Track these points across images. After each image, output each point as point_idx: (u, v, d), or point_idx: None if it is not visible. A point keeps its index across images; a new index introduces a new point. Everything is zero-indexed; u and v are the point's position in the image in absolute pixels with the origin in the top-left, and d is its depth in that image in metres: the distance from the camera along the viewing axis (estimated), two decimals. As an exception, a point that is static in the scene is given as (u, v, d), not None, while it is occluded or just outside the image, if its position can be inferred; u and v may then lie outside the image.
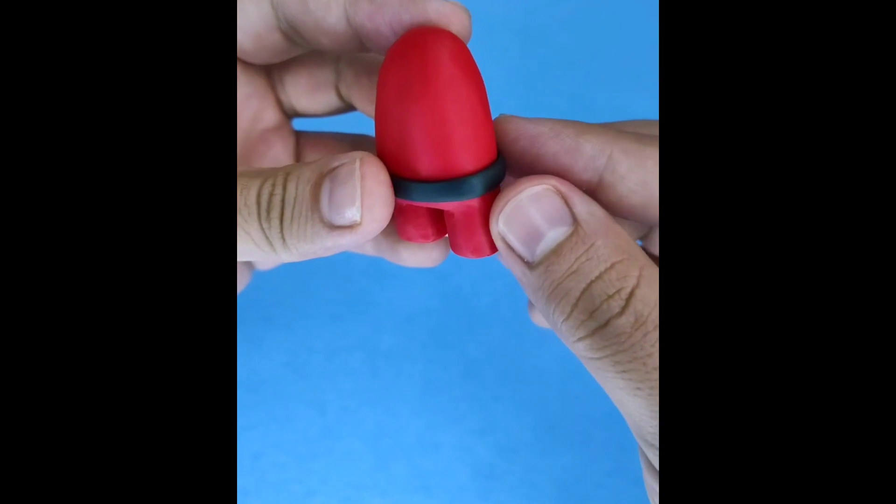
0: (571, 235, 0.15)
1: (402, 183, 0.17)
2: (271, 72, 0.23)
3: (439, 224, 0.18)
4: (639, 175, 0.17)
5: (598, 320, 0.15)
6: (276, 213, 0.17)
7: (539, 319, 0.24)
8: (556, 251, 0.15)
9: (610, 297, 0.15)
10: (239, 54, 0.21)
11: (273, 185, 0.17)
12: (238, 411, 0.31)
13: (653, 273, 0.15)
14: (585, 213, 0.16)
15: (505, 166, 0.18)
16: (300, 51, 0.21)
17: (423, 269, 0.35)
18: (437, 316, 0.34)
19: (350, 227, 0.16)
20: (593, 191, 0.17)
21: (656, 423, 0.15)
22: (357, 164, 0.16)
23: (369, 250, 0.22)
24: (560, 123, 0.17)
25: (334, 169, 0.17)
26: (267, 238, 0.17)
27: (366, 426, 0.31)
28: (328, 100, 0.23)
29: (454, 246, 0.18)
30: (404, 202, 0.18)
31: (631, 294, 0.15)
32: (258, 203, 0.17)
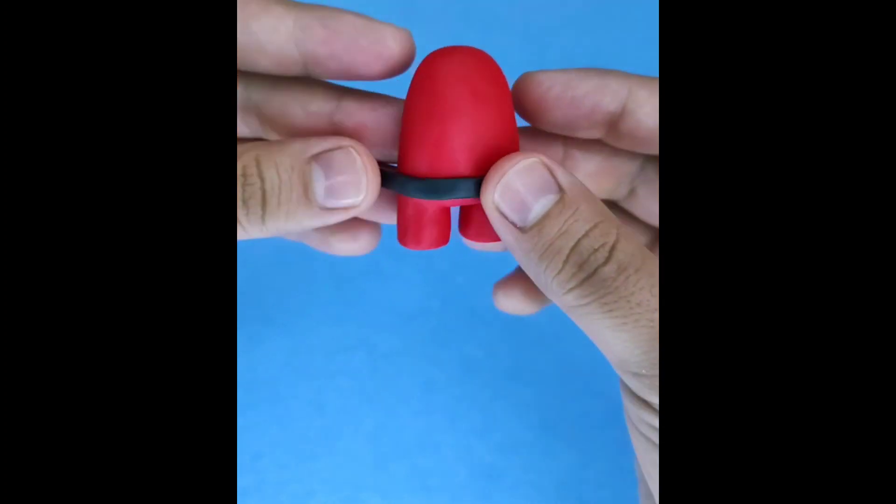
0: (559, 202, 0.17)
1: (438, 182, 0.18)
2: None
3: (446, 229, 0.20)
4: (655, 100, 0.20)
5: (586, 271, 0.17)
6: (256, 201, 0.17)
7: (503, 304, 0.25)
8: (547, 216, 0.17)
9: (596, 250, 0.17)
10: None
11: (245, 170, 0.17)
12: (238, 411, 0.31)
13: (627, 231, 0.18)
14: (569, 183, 0.18)
15: None
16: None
17: (424, 268, 0.35)
18: (437, 316, 0.34)
19: (346, 208, 0.18)
20: (618, 119, 0.20)
21: (640, 352, 0.17)
22: (354, 152, 0.18)
23: (292, 237, 0.23)
24: (583, 69, 0.20)
25: (321, 155, 0.18)
26: (241, 223, 0.18)
27: (366, 426, 0.31)
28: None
29: (468, 232, 0.20)
30: (428, 207, 0.19)
31: (613, 247, 0.17)
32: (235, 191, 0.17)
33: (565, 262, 0.17)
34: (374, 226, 0.23)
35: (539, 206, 0.17)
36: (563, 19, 0.44)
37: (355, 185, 0.18)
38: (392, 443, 0.31)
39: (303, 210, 0.18)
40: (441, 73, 0.18)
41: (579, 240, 0.17)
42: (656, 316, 0.17)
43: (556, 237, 0.17)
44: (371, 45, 0.18)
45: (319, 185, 0.18)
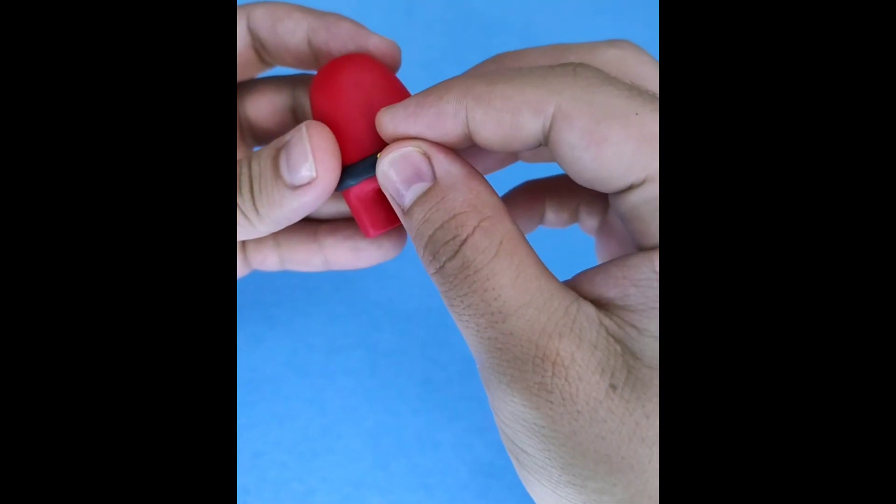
0: (429, 190, 0.18)
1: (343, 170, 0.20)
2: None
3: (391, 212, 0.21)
4: (491, 117, 0.18)
5: (438, 261, 0.18)
6: (246, 189, 0.20)
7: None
8: (417, 202, 0.18)
9: (446, 242, 0.18)
10: None
11: (240, 167, 0.20)
12: (238, 410, 0.31)
13: (494, 224, 0.18)
14: (443, 171, 0.18)
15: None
16: (266, 69, 0.25)
17: (424, 268, 0.35)
18: (437, 315, 0.34)
19: (308, 183, 0.19)
20: (468, 139, 0.19)
21: (483, 348, 0.17)
22: (304, 128, 0.19)
23: (316, 265, 0.25)
24: (422, 95, 0.19)
25: (287, 142, 0.20)
26: (242, 211, 0.20)
27: (366, 425, 0.31)
28: (284, 121, 0.26)
29: (365, 229, 0.21)
30: (353, 196, 0.21)
31: (465, 241, 0.17)
32: None
33: (424, 248, 0.18)
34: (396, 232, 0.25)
35: (413, 191, 0.18)
36: (564, 19, 0.45)
37: (304, 156, 0.19)
38: (392, 441, 0.31)
39: (278, 190, 0.19)
40: (326, 82, 0.21)
41: (436, 229, 0.18)
42: (484, 321, 0.17)
43: (421, 223, 0.18)
44: (356, 48, 0.22)
45: (284, 164, 0.19)
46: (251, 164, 0.20)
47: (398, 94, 0.21)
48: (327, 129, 0.20)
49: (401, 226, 0.22)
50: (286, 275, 0.35)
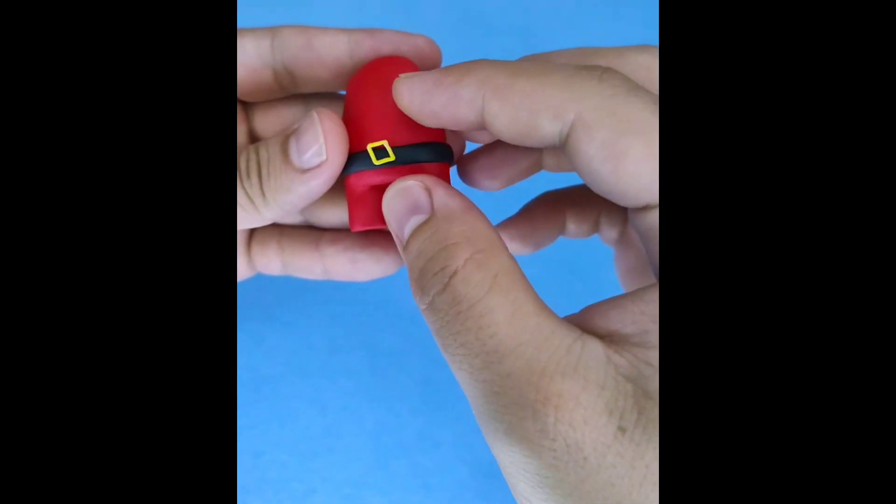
0: (425, 222, 0.18)
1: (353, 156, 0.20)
2: (245, 108, 0.25)
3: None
4: (508, 112, 0.17)
5: (428, 295, 0.17)
6: (254, 173, 0.20)
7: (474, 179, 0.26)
8: (413, 234, 0.18)
9: (435, 274, 0.17)
10: None
11: (248, 153, 0.20)
12: (239, 410, 0.31)
13: (488, 258, 0.17)
14: (441, 204, 0.18)
15: (438, 149, 0.21)
16: (281, 94, 0.24)
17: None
18: (437, 315, 0.34)
19: (318, 166, 0.19)
20: (482, 126, 0.18)
21: (479, 393, 0.16)
22: (315, 114, 0.19)
23: (317, 273, 0.25)
24: (443, 72, 0.18)
25: (297, 128, 0.20)
26: (249, 197, 0.20)
27: (366, 424, 0.31)
28: None
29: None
30: (357, 188, 0.21)
31: (454, 273, 0.16)
32: (238, 170, 0.20)
33: (416, 282, 0.17)
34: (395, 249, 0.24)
35: (409, 226, 0.18)
36: (564, 19, 0.45)
37: (315, 139, 0.19)
38: (392, 441, 0.31)
39: (286, 174, 0.20)
40: (363, 76, 0.21)
41: (427, 262, 0.17)
42: (479, 361, 0.16)
43: (415, 256, 0.18)
44: (411, 51, 0.22)
45: (293, 149, 0.20)
46: (259, 150, 0.20)
47: None
48: (336, 114, 0.20)
49: (386, 230, 0.22)
50: (286, 275, 0.35)
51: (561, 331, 0.16)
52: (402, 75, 0.19)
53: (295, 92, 0.24)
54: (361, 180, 0.20)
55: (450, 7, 0.44)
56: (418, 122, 0.19)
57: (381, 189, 0.20)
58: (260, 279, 0.34)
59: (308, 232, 0.26)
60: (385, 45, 0.22)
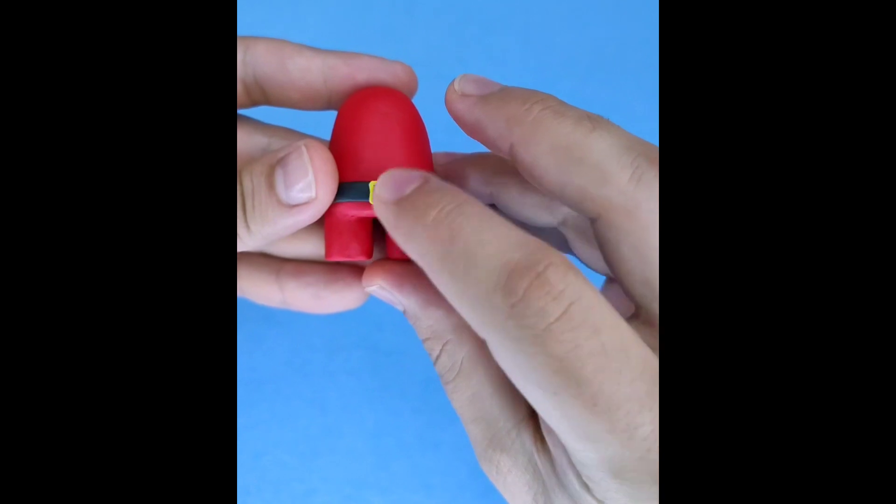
0: (414, 321, 0.21)
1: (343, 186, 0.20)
2: None
3: (366, 243, 0.21)
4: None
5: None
6: (238, 204, 0.20)
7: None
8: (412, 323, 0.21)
9: (429, 355, 0.21)
10: None
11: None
12: (239, 410, 0.31)
13: (454, 348, 0.20)
14: (406, 304, 0.20)
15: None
16: (251, 106, 0.23)
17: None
18: (438, 315, 0.34)
19: (306, 203, 0.19)
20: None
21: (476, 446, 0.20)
22: (303, 148, 0.19)
23: (276, 302, 0.25)
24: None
25: (282, 158, 0.19)
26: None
27: (366, 424, 0.31)
28: None
29: (393, 252, 0.21)
30: (341, 218, 0.21)
31: (436, 360, 0.20)
32: None
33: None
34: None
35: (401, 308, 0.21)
36: (563, 18, 0.45)
37: (303, 174, 0.19)
38: (392, 441, 0.31)
39: (272, 208, 0.19)
40: (359, 106, 0.21)
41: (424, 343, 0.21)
42: (466, 428, 0.19)
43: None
44: (388, 78, 0.22)
45: (280, 182, 0.19)
46: (241, 179, 0.20)
47: (418, 132, 0.21)
48: (325, 146, 0.20)
49: (358, 263, 0.23)
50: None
51: (506, 414, 0.19)
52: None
53: (266, 105, 0.23)
54: (349, 210, 0.20)
55: (450, 7, 0.44)
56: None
57: (366, 221, 0.21)
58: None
59: (267, 260, 0.25)
60: (361, 73, 0.22)
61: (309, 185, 0.19)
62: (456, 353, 0.20)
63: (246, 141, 0.23)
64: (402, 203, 0.17)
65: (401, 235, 0.17)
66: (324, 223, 0.21)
